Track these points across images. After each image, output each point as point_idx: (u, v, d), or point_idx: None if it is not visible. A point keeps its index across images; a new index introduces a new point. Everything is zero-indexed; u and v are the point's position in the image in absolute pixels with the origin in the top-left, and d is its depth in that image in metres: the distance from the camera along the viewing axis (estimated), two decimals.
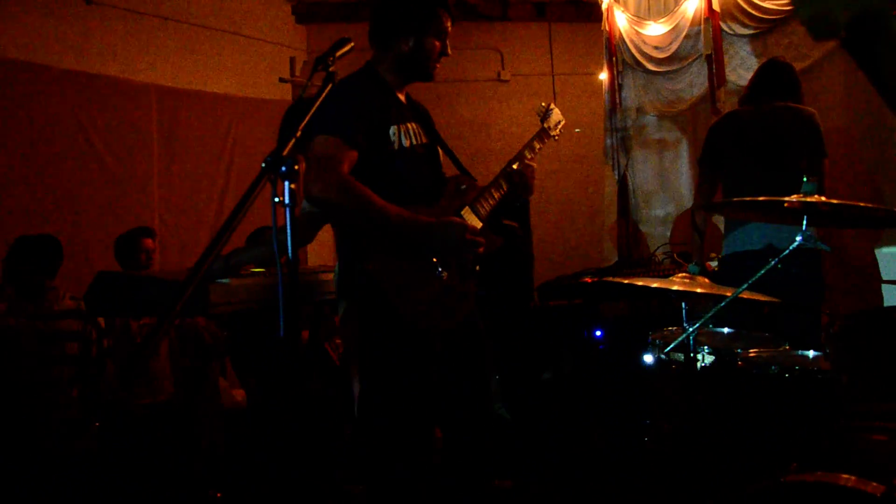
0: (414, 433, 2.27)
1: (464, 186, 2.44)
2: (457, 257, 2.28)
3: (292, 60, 6.05)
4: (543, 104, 2.71)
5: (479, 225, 2.38)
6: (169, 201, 5.40)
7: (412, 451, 2.27)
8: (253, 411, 4.23)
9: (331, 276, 3.05)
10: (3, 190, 4.53)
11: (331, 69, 1.69)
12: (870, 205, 2.16)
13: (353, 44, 1.79)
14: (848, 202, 2.17)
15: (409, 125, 2.37)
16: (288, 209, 1.38)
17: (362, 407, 2.34)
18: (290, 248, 1.39)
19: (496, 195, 2.46)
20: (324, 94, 1.60)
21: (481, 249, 2.28)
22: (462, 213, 2.37)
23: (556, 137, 2.73)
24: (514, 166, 2.52)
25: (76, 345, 3.64)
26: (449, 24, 2.40)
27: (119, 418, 3.71)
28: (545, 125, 2.69)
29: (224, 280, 2.66)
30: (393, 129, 2.30)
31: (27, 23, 4.70)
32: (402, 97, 2.44)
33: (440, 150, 2.53)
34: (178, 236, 5.36)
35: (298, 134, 1.45)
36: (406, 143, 2.33)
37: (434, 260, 2.24)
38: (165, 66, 5.44)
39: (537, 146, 2.63)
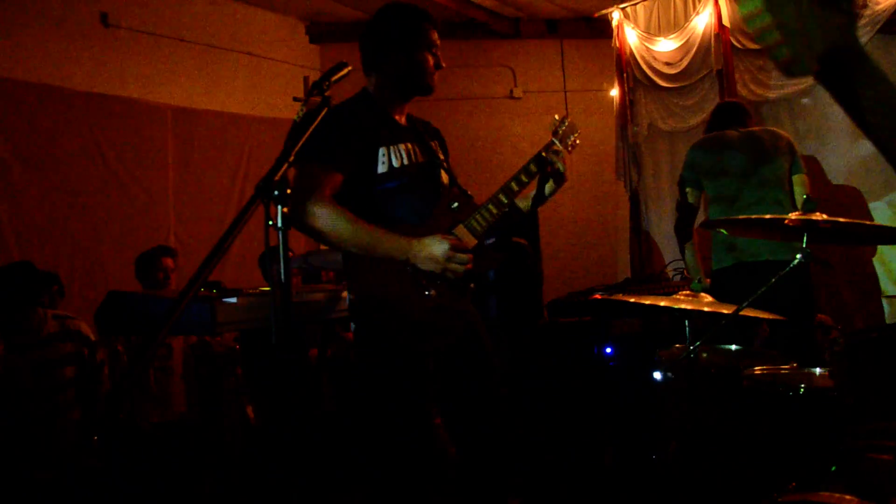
0: (409, 451, 2.28)
1: (455, 205, 2.41)
2: (442, 276, 2.24)
3: (306, 80, 6.13)
4: (557, 117, 2.56)
5: (474, 242, 2.35)
6: (184, 220, 5.48)
7: (409, 469, 2.28)
8: (263, 428, 4.25)
9: (344, 293, 3.10)
10: (21, 209, 4.61)
11: (326, 93, 1.71)
12: (870, 222, 2.15)
13: (350, 68, 1.82)
14: (849, 220, 2.17)
15: (401, 146, 2.37)
16: (281, 232, 1.41)
17: (359, 423, 2.40)
18: (283, 270, 1.42)
19: (494, 211, 2.38)
20: (318, 119, 1.63)
21: (469, 266, 2.25)
22: (455, 230, 2.34)
23: (570, 150, 2.57)
24: (543, 154, 2.44)
25: (73, 368, 3.56)
26: (435, 36, 2.42)
27: (128, 436, 3.73)
28: (553, 138, 2.52)
29: (231, 300, 2.70)
30: (382, 151, 2.31)
31: (46, 46, 4.80)
32: (400, 118, 2.45)
33: (443, 172, 2.50)
34: (193, 255, 5.42)
35: (291, 158, 1.47)
36: (397, 163, 2.33)
37: (420, 279, 2.24)
38: (181, 86, 5.53)
39: (545, 153, 2.47)
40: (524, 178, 2.43)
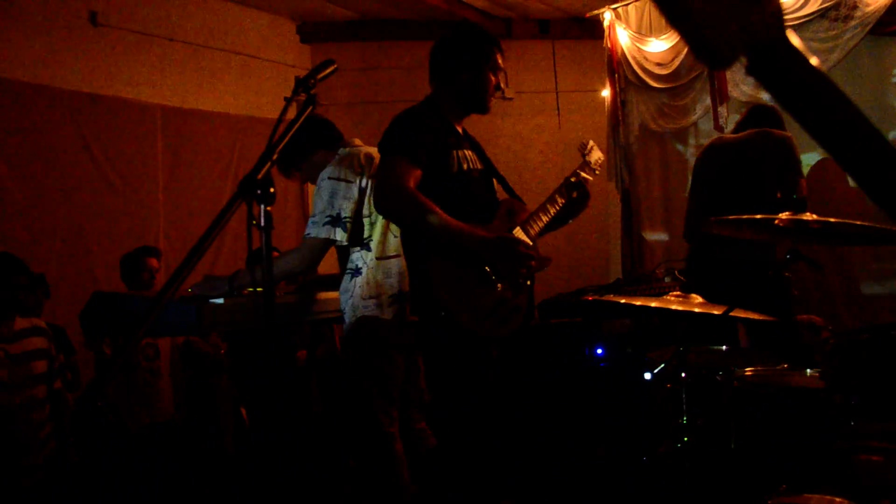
0: (475, 434, 2.45)
1: (514, 209, 2.61)
2: (511, 270, 2.40)
3: (297, 80, 6.06)
4: (584, 141, 2.86)
5: (529, 244, 2.52)
6: (174, 220, 5.43)
7: (474, 452, 2.45)
8: (254, 430, 4.23)
9: (329, 295, 3.07)
10: (9, 210, 4.57)
11: (312, 91, 1.69)
12: (860, 222, 2.14)
13: (335, 66, 1.80)
14: (838, 220, 2.16)
15: (465, 152, 2.57)
16: (263, 231, 1.38)
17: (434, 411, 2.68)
18: (266, 268, 1.39)
19: (544, 218, 2.63)
20: (302, 118, 1.61)
21: (533, 263, 2.42)
22: (514, 233, 2.51)
23: (597, 172, 2.88)
24: (573, 179, 2.71)
25: (44, 363, 3.55)
26: (501, 60, 2.62)
27: (116, 437, 3.70)
28: (586, 159, 2.83)
29: (218, 301, 2.67)
30: (454, 154, 2.51)
31: (34, 45, 4.76)
32: (459, 128, 2.65)
33: (494, 178, 2.73)
34: (182, 255, 5.36)
35: (275, 157, 1.45)
36: (465, 166, 2.53)
37: (489, 272, 2.38)
38: (171, 86, 5.49)
39: (574, 178, 2.76)
40: (564, 192, 2.70)
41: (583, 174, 2.76)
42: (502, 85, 2.63)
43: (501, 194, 2.76)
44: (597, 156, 2.87)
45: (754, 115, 4.01)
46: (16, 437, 3.34)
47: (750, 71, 0.74)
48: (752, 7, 0.70)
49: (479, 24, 6.08)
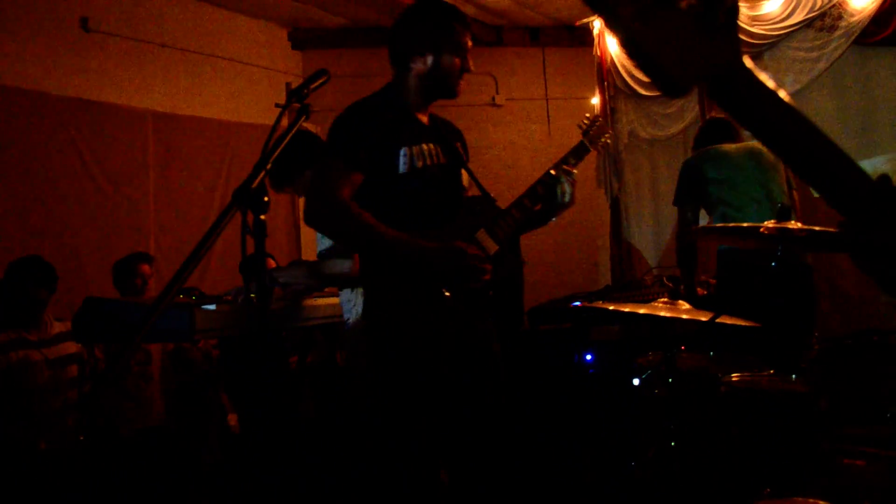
0: (418, 464, 2.21)
1: (479, 208, 2.35)
2: (459, 283, 2.17)
3: (288, 86, 6.12)
4: (587, 118, 2.61)
5: (495, 248, 2.29)
6: (165, 226, 5.43)
7: (415, 482, 2.21)
8: (245, 436, 4.23)
9: (322, 301, 3.09)
10: (0, 215, 4.57)
11: (305, 101, 1.71)
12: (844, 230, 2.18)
13: (328, 76, 1.82)
14: (824, 228, 2.20)
15: (423, 146, 2.30)
16: (256, 239, 1.41)
17: (366, 429, 2.38)
18: (258, 275, 1.42)
19: (517, 215, 2.34)
20: (295, 127, 1.63)
21: (487, 276, 2.18)
22: (477, 235, 2.28)
23: (601, 149, 2.66)
24: (552, 172, 2.41)
25: (76, 367, 3.65)
26: (467, 39, 2.33)
27: (107, 442, 3.71)
28: (584, 139, 2.57)
29: (210, 306, 2.69)
30: (404, 151, 2.24)
31: (25, 50, 4.76)
32: (422, 117, 2.39)
33: (464, 172, 2.43)
34: (173, 261, 5.37)
35: (269, 166, 1.47)
36: (419, 163, 2.26)
37: (440, 287, 2.17)
38: (162, 91, 5.49)
39: (573, 161, 2.49)
40: (540, 191, 2.40)
41: (565, 167, 2.43)
42: (470, 66, 2.32)
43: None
44: (601, 130, 2.60)
45: (718, 127, 4.07)
46: (55, 443, 3.40)
47: (711, 96, 0.78)
48: (707, 36, 0.73)
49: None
